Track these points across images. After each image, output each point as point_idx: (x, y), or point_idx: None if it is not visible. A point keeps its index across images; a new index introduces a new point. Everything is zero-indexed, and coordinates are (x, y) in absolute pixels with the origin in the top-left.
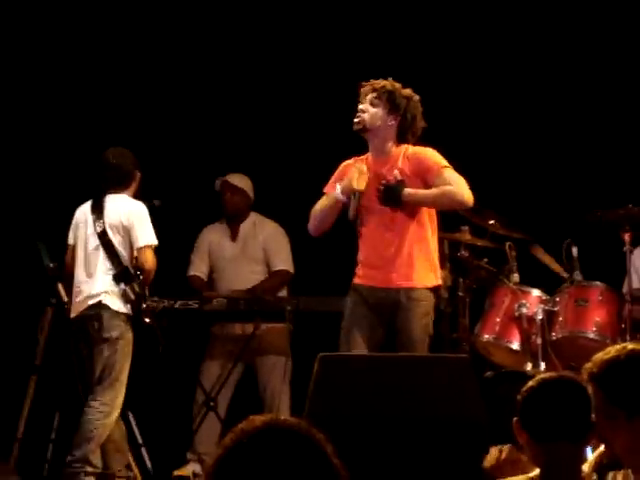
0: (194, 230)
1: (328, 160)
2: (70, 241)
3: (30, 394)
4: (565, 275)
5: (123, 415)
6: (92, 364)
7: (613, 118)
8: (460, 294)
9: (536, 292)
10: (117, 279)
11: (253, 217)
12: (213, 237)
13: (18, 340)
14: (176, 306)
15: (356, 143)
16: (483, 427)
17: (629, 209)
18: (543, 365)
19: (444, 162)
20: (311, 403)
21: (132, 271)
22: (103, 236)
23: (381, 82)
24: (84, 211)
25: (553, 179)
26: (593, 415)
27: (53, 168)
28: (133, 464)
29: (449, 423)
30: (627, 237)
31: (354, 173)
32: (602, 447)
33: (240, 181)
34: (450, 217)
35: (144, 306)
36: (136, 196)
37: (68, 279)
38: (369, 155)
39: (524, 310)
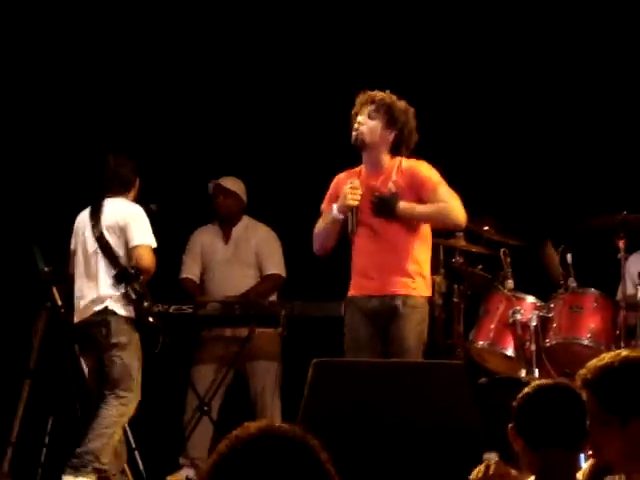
0: (185, 233)
1: (321, 165)
2: (72, 247)
3: (24, 398)
4: (561, 281)
5: None
6: (104, 369)
7: (608, 125)
8: (455, 300)
9: (530, 299)
10: (117, 280)
11: (245, 220)
12: (205, 239)
13: (12, 344)
14: (170, 311)
15: (348, 148)
16: (477, 433)
17: (624, 216)
18: (537, 371)
19: (438, 178)
20: (305, 408)
21: (131, 271)
22: (101, 239)
23: (379, 94)
24: (83, 217)
25: (548, 186)
26: (588, 422)
27: (48, 172)
28: (127, 469)
29: (444, 429)
30: (622, 244)
31: (347, 190)
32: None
33: (233, 184)
34: None
35: (145, 305)
36: (135, 202)
37: (70, 284)
38: (362, 167)
39: (518, 316)
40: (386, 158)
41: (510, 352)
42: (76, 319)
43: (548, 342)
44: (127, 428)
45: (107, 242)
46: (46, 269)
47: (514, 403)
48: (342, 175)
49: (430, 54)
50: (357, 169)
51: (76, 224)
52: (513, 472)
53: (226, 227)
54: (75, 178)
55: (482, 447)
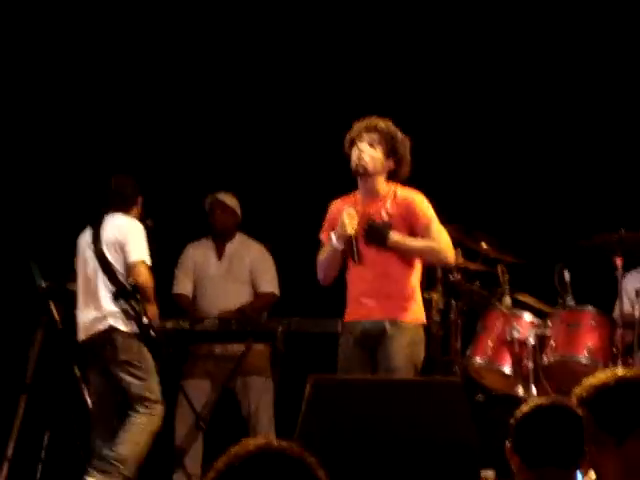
0: (177, 248)
1: (318, 183)
2: (75, 265)
3: (20, 413)
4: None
5: None
6: (121, 388)
7: (607, 143)
8: (452, 317)
9: (528, 316)
10: (116, 297)
11: (239, 237)
12: (198, 254)
13: (9, 359)
14: (167, 326)
15: (342, 167)
16: (474, 450)
17: (621, 234)
18: (534, 389)
19: (432, 214)
20: (302, 425)
21: (129, 288)
22: (101, 256)
23: (380, 123)
24: (85, 236)
25: (546, 203)
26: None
27: (46, 187)
28: None
29: (441, 446)
30: (619, 262)
31: (345, 219)
32: (592, 474)
33: (230, 200)
34: None
35: (145, 321)
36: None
37: (73, 302)
38: (357, 194)
39: (516, 334)
40: (382, 185)
41: (507, 369)
42: (81, 337)
43: (545, 360)
44: None
45: (107, 259)
46: (43, 284)
47: (511, 421)
48: (338, 202)
49: (426, 70)
50: (352, 196)
51: (78, 243)
52: None
53: (220, 242)
54: (73, 193)
55: (479, 464)
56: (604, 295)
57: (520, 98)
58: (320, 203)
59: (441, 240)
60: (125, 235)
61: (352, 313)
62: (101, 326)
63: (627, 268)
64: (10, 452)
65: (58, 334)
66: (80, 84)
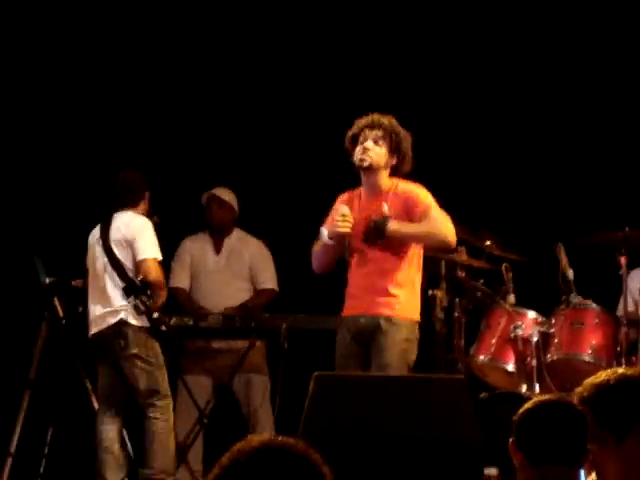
0: (174, 243)
1: (317, 177)
2: (86, 262)
3: (23, 408)
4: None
5: None
6: (130, 382)
7: (611, 141)
8: (456, 315)
9: (532, 314)
10: (126, 293)
11: (237, 232)
12: (195, 248)
13: (13, 354)
14: (171, 322)
15: (343, 163)
16: (478, 448)
17: (625, 232)
18: (538, 387)
19: (430, 200)
20: (306, 422)
21: (139, 284)
22: (110, 253)
23: (384, 119)
24: (94, 233)
25: (550, 201)
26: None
27: (50, 183)
28: None
29: (444, 443)
30: (623, 260)
31: (338, 218)
32: (594, 475)
33: (227, 195)
34: None
35: (155, 316)
36: (145, 215)
37: (84, 298)
38: (362, 190)
39: (519, 332)
40: (385, 181)
41: (511, 367)
42: (92, 331)
43: (549, 358)
44: (127, 441)
45: (116, 256)
46: (47, 280)
47: (515, 418)
48: (344, 196)
49: (427, 69)
50: (357, 191)
51: (89, 240)
52: None
53: (217, 237)
54: (78, 189)
55: (482, 462)
56: (608, 293)
57: (524, 96)
58: (318, 198)
59: (440, 223)
60: (133, 233)
61: (349, 308)
62: (112, 319)
63: (631, 266)
64: (13, 448)
65: (62, 330)
66: (81, 84)
